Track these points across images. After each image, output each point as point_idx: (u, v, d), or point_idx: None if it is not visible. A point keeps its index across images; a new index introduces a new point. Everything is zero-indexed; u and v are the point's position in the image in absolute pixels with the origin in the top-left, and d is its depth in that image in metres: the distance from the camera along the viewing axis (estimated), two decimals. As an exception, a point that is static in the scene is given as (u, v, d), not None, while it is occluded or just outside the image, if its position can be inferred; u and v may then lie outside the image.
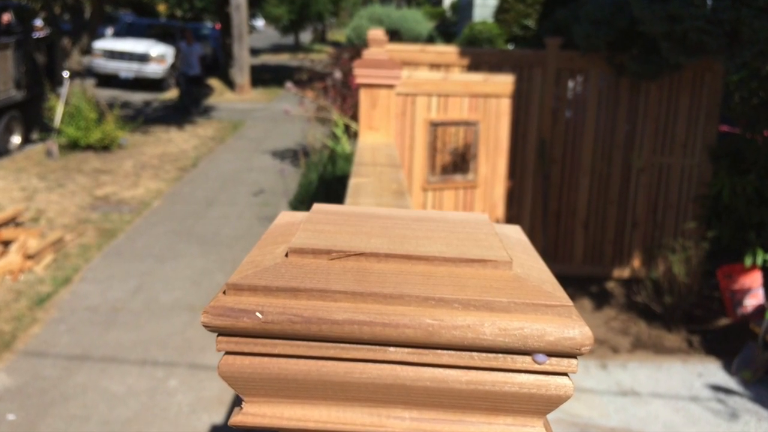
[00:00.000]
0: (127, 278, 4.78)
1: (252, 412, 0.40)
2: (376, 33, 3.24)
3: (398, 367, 0.39)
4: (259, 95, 14.68)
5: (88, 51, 10.58)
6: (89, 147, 8.36)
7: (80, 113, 8.27)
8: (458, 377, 0.39)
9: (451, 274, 0.41)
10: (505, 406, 0.40)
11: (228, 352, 0.40)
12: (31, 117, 8.57)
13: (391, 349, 0.39)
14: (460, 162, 4.03)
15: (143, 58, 13.76)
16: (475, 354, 0.39)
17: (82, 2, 9.95)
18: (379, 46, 2.96)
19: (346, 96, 6.37)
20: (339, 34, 30.97)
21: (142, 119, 10.28)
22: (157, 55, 13.85)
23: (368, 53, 2.45)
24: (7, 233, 5.04)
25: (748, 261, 3.99)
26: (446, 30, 13.15)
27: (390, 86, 2.28)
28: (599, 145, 4.62)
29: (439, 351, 0.39)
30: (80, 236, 5.55)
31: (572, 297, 4.43)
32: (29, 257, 4.83)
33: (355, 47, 7.58)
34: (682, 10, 3.38)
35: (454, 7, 17.36)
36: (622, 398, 3.47)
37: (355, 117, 5.91)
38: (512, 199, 4.65)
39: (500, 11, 7.11)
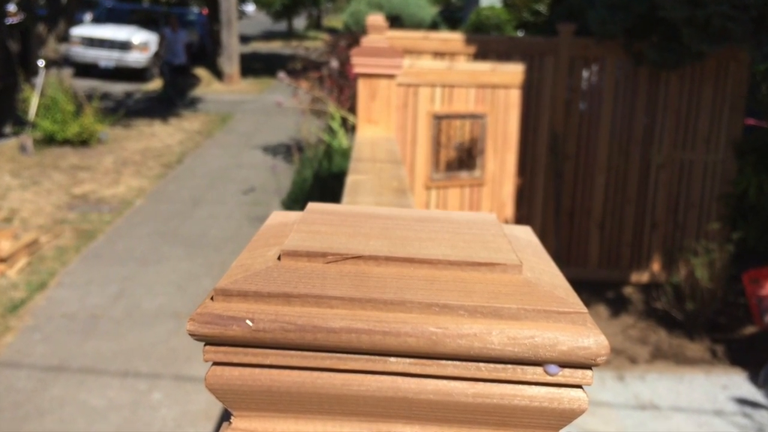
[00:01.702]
0: (107, 283, 4.79)
1: (242, 428, 0.40)
2: (376, 19, 3.24)
3: (399, 379, 0.39)
4: (249, 86, 14.69)
5: (65, 38, 10.59)
6: (66, 142, 8.36)
7: (57, 105, 8.27)
8: (464, 390, 0.39)
9: (456, 279, 0.41)
10: (515, 421, 0.40)
11: (216, 363, 0.40)
12: (3, 109, 8.56)
13: (392, 359, 0.39)
14: (466, 158, 4.03)
15: (124, 45, 13.76)
16: (482, 365, 0.39)
17: (58, -14, 9.95)
18: (378, 33, 2.96)
19: (344, 87, 6.37)
20: (335, 20, 30.98)
21: (124, 112, 10.29)
22: (140, 42, 13.85)
23: (367, 40, 2.46)
24: (-23, 234, 5.04)
25: (776, 264, 3.99)
26: (451, 15, 13.16)
27: (390, 76, 2.28)
28: (616, 140, 4.62)
29: (443, 361, 0.39)
30: (57, 238, 5.55)
31: (587, 303, 4.43)
32: (1, 260, 4.83)
33: (353, 34, 7.58)
34: (705, -6, 3.39)
35: (459, -9, 17.38)
36: (641, 412, 3.47)
37: (352, 109, 5.91)
38: (522, 198, 4.65)
39: (509, -5, 7.11)
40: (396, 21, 8.85)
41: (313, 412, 0.40)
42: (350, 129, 5.74)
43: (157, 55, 14.01)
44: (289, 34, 26.83)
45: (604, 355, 0.38)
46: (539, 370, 0.38)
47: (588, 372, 0.39)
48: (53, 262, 5.09)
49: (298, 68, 7.58)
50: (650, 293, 4.64)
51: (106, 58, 13.77)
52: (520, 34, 7.05)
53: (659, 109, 4.55)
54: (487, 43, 4.64)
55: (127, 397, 3.46)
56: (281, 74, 6.87)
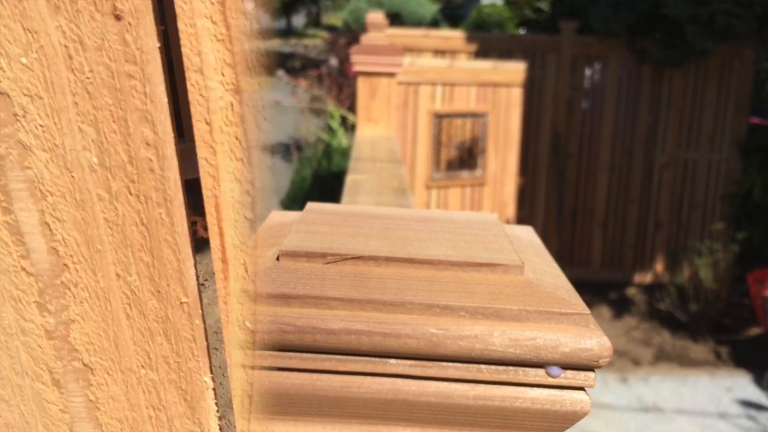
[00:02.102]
0: (104, 284, 4.78)
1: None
2: (376, 16, 3.24)
3: (400, 381, 0.39)
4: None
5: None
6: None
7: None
8: (465, 392, 0.39)
9: (457, 280, 0.41)
10: (516, 424, 0.40)
11: (214, 365, 0.40)
12: None
13: (392, 361, 0.39)
14: (467, 157, 4.03)
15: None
16: (483, 366, 0.39)
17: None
18: (378, 31, 2.96)
19: (343, 85, 6.37)
20: (335, 18, 30.96)
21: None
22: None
23: (367, 38, 2.46)
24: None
25: (781, 265, 3.99)
26: (452, 13, 13.16)
27: (390, 74, 2.28)
28: (619, 139, 4.62)
29: (444, 363, 0.39)
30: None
31: (589, 304, 4.43)
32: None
33: (353, 32, 7.59)
34: (709, -8, 3.39)
35: (460, -12, 17.38)
36: (644, 415, 3.47)
37: (352, 108, 5.91)
38: (524, 198, 4.65)
39: (511, -7, 7.11)
40: (396, 18, 8.85)
41: (312, 414, 0.40)
42: (350, 128, 5.74)
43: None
44: (288, 32, 26.82)
45: (607, 356, 0.38)
46: (541, 372, 0.38)
47: (590, 374, 0.39)
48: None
49: (296, 66, 7.58)
50: (653, 294, 4.64)
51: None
52: (521, 31, 7.05)
53: (663, 108, 4.55)
54: (489, 41, 4.64)
55: (124, 399, 3.46)
56: (280, 72, 6.87)
